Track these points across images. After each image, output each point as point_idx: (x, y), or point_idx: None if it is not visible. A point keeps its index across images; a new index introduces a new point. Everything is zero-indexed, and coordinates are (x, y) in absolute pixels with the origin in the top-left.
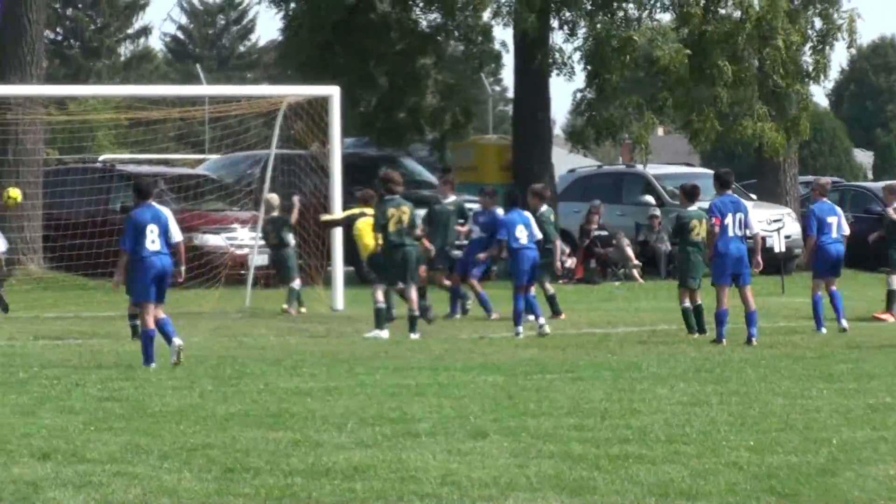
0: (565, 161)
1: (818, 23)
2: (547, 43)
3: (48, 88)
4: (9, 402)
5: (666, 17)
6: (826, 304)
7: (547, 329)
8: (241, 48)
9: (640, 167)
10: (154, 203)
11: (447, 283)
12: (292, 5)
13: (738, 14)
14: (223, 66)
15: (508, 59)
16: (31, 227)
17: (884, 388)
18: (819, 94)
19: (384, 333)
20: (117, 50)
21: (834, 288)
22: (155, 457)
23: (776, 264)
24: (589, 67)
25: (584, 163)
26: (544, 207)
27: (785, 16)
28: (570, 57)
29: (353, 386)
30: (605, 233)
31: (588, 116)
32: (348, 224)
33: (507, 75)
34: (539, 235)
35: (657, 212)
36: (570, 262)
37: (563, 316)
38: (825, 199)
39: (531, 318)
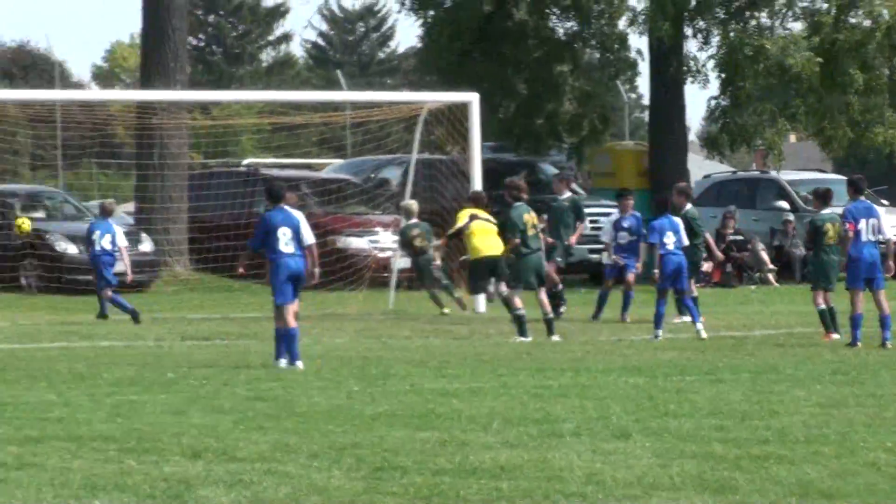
0: (700, 167)
1: None
2: (681, 51)
3: (192, 94)
4: (159, 402)
5: (798, 26)
6: None
7: (703, 333)
8: (381, 54)
9: (773, 173)
10: (286, 207)
11: (555, 278)
12: (431, 13)
13: (868, 23)
14: (364, 71)
15: (644, 67)
16: (177, 229)
17: None
18: None
19: (528, 338)
20: (259, 56)
21: None
22: (304, 456)
23: None
24: (723, 75)
25: (719, 169)
26: (689, 206)
27: None
28: (703, 65)
29: (497, 387)
30: (740, 237)
31: (722, 123)
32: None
33: (643, 83)
34: (686, 242)
35: (791, 217)
36: (707, 266)
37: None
38: None
39: (686, 319)
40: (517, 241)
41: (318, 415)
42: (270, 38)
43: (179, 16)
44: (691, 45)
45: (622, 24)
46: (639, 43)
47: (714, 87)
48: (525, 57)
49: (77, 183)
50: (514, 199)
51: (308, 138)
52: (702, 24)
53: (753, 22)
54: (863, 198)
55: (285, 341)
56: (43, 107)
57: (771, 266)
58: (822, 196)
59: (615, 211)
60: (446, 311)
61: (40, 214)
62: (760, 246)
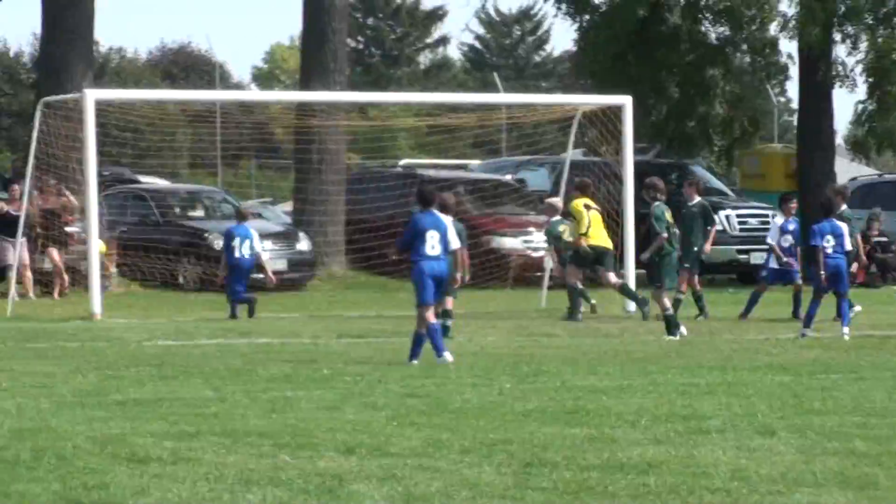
0: (847, 170)
1: None
2: (830, 56)
3: (350, 95)
4: (314, 398)
5: None
6: None
7: (847, 336)
8: (537, 58)
9: None
10: (435, 210)
11: (697, 286)
12: (587, 17)
13: None
14: (519, 74)
15: (793, 71)
16: (334, 229)
17: None
18: None
19: (677, 337)
20: (417, 58)
21: None
22: (456, 451)
23: None
24: (870, 80)
25: (865, 172)
26: (844, 206)
27: None
28: (851, 69)
29: (645, 384)
30: (884, 239)
31: (869, 127)
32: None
33: (791, 87)
34: (850, 247)
35: None
36: (853, 267)
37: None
38: None
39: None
40: (665, 235)
41: (470, 411)
42: (428, 40)
43: (339, 18)
44: (840, 50)
45: (773, 29)
46: (789, 48)
47: (861, 91)
48: (678, 61)
49: (236, 182)
50: (653, 198)
51: (463, 140)
52: (850, 29)
53: None
54: None
55: (426, 341)
56: (203, 107)
57: None
58: None
59: (769, 212)
60: (593, 301)
61: (199, 213)
62: None
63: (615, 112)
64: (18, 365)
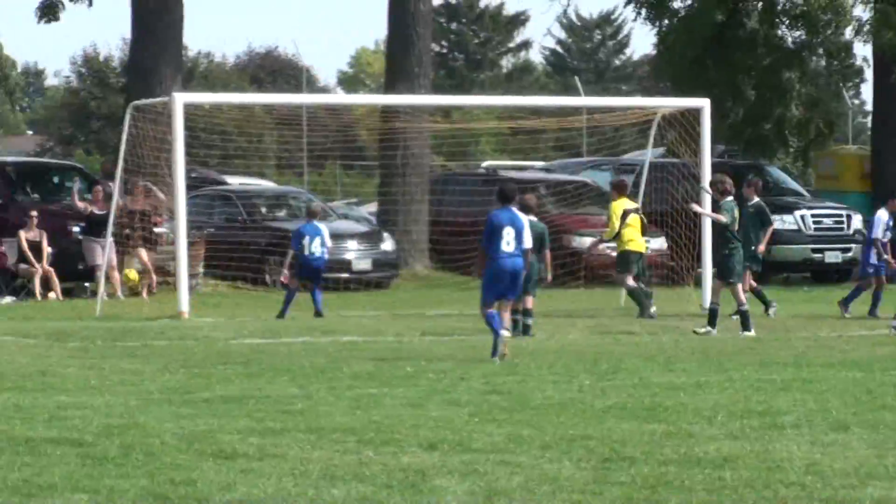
0: None
1: None
2: None
3: (434, 98)
4: (398, 395)
5: None
6: None
7: None
8: (617, 61)
9: None
10: (514, 208)
11: (752, 283)
12: (666, 22)
13: None
14: (600, 78)
15: (868, 74)
16: (418, 229)
17: None
18: None
19: (752, 332)
20: (499, 62)
21: None
22: (536, 447)
23: None
24: None
25: None
26: None
27: None
28: None
29: (722, 381)
30: None
31: None
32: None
33: (866, 89)
34: None
35: None
36: None
37: None
38: None
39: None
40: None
41: (550, 408)
42: (511, 45)
43: (424, 23)
44: None
45: (848, 33)
46: (863, 51)
47: None
48: (755, 64)
49: (321, 183)
50: (721, 193)
51: (545, 142)
52: None
53: None
54: None
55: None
56: (290, 110)
57: None
58: None
59: (843, 212)
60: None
61: (284, 214)
62: None
63: (693, 114)
64: (107, 363)
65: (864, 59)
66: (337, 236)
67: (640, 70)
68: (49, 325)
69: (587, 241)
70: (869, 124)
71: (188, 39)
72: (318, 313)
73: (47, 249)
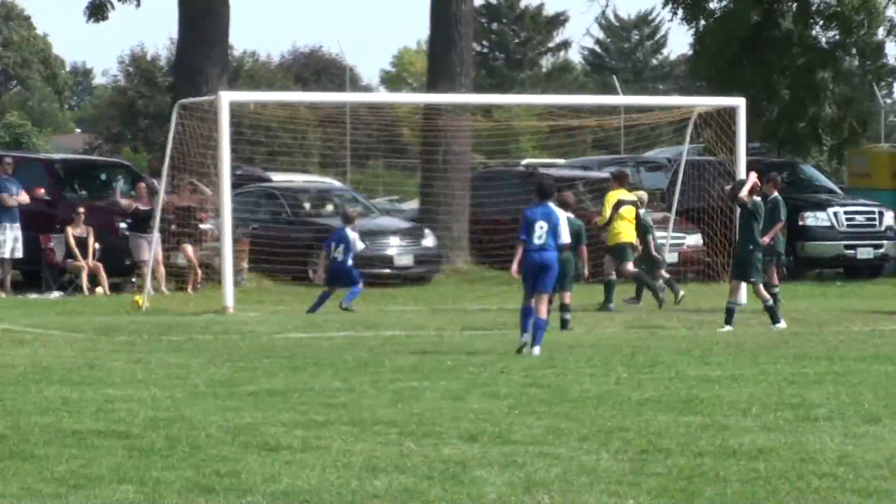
0: None
1: None
2: None
3: (475, 97)
4: (439, 388)
5: None
6: None
7: None
8: (654, 61)
9: None
10: (551, 204)
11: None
12: (703, 22)
13: None
14: (637, 77)
15: None
16: (459, 226)
17: None
18: None
19: (783, 324)
20: (539, 62)
21: None
22: (574, 439)
23: None
24: None
25: None
26: None
27: None
28: None
29: (756, 374)
30: None
31: None
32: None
33: None
34: None
35: None
36: None
37: None
38: None
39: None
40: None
41: (588, 400)
42: (550, 45)
43: (465, 23)
44: None
45: (880, 33)
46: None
47: None
48: (789, 64)
49: (364, 181)
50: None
51: (583, 139)
52: None
53: None
54: None
55: (526, 319)
56: (333, 109)
57: None
58: None
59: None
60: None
61: (328, 210)
62: None
63: (729, 113)
64: (154, 357)
65: None
66: (379, 233)
67: (676, 70)
68: (96, 320)
69: None
70: None
71: (234, 39)
72: (340, 305)
73: (94, 245)
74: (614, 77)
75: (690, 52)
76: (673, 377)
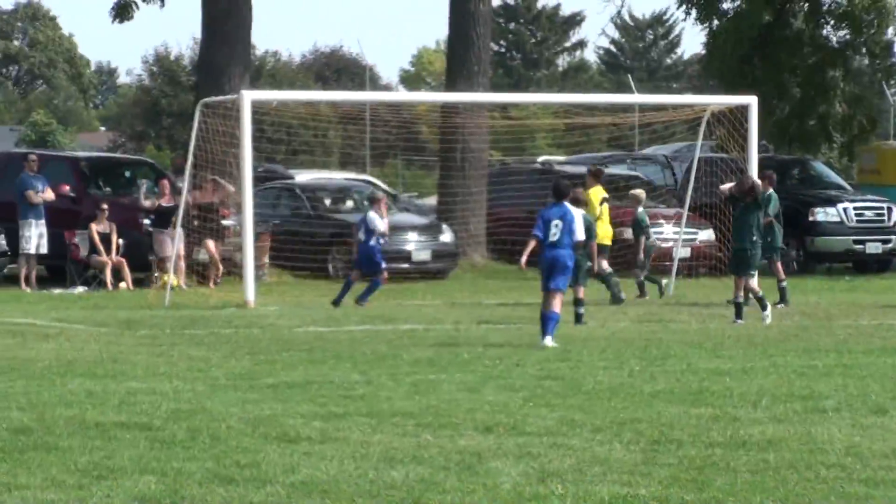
0: None
1: None
2: None
3: (493, 96)
4: (455, 381)
5: None
6: None
7: None
8: (668, 60)
9: None
10: (567, 203)
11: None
12: (715, 22)
13: None
14: (652, 76)
15: None
16: (476, 222)
17: None
18: None
19: (743, 321)
20: (555, 61)
21: None
22: (588, 430)
23: None
24: None
25: None
26: None
27: None
28: None
29: (766, 366)
30: None
31: None
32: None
33: None
34: None
35: None
36: None
37: None
38: None
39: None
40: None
41: (601, 392)
42: (566, 44)
43: (483, 24)
44: None
45: (890, 32)
46: None
47: None
48: (800, 63)
49: (383, 178)
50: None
51: (599, 137)
52: None
53: None
54: None
55: (546, 323)
56: (353, 107)
57: None
58: None
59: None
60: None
61: (348, 206)
62: None
63: (741, 111)
64: (176, 350)
65: None
66: (397, 228)
67: (690, 69)
68: (120, 314)
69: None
70: None
71: (256, 39)
72: (356, 301)
73: (118, 241)
74: (629, 76)
75: (703, 52)
76: (684, 370)
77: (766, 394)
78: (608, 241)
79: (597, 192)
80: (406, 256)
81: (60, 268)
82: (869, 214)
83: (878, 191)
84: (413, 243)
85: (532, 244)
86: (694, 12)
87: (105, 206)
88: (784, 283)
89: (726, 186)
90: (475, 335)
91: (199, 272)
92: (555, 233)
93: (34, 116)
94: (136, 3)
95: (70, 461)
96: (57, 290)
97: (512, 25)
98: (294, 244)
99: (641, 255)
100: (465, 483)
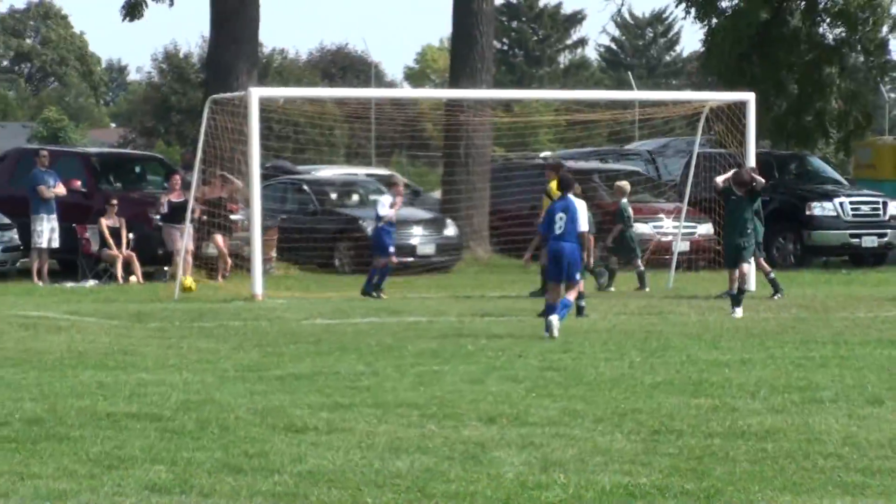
0: None
1: None
2: None
3: (496, 93)
4: (458, 372)
5: None
6: None
7: None
8: (668, 58)
9: None
10: (571, 196)
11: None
12: (714, 20)
13: None
14: (651, 73)
15: None
16: (479, 216)
17: None
18: None
19: (739, 313)
20: (557, 58)
21: None
22: (590, 420)
23: None
24: None
25: None
26: None
27: None
28: None
29: (764, 358)
30: None
31: None
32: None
33: None
34: None
35: None
36: None
37: None
38: None
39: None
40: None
41: (603, 383)
42: (568, 42)
43: (486, 22)
44: None
45: (884, 30)
46: None
47: None
48: (797, 60)
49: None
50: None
51: (599, 133)
52: None
53: None
54: None
55: (558, 308)
56: (359, 104)
57: None
58: None
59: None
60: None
61: (354, 200)
62: None
63: (739, 107)
64: (185, 343)
65: None
66: (403, 222)
67: (689, 66)
68: (130, 307)
69: (639, 228)
70: None
71: (263, 37)
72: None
73: (129, 235)
74: (629, 73)
75: (702, 49)
76: (684, 361)
77: (765, 385)
78: None
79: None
80: (411, 250)
81: (72, 262)
82: (865, 209)
83: (873, 185)
84: (418, 237)
85: (537, 240)
86: (693, 11)
87: (114, 201)
88: (772, 275)
89: (721, 178)
90: (478, 327)
91: (208, 266)
92: (560, 225)
93: (46, 113)
94: (145, 2)
95: (82, 451)
96: (68, 284)
97: (514, 24)
98: (301, 238)
99: (610, 243)
100: (469, 472)
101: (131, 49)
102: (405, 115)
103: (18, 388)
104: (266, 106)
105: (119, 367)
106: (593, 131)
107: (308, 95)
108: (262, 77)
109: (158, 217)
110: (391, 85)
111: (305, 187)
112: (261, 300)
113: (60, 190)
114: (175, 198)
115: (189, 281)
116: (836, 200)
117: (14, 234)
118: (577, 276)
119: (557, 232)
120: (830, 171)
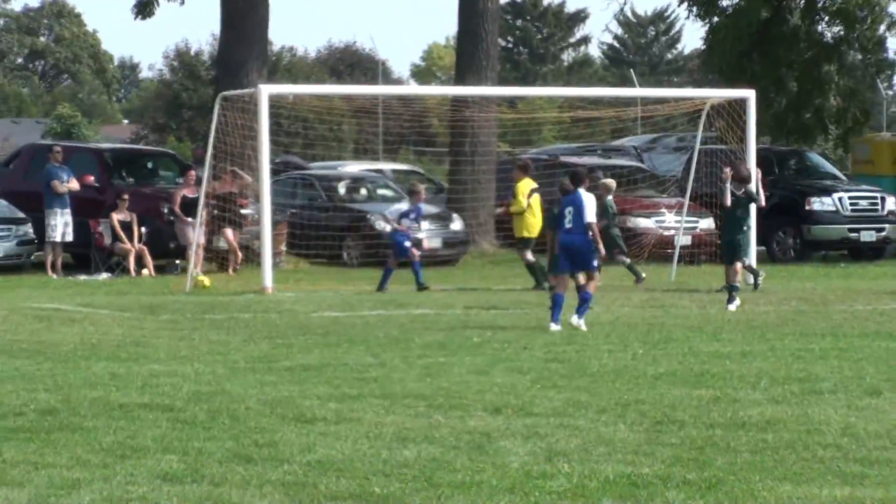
0: None
1: None
2: None
3: (501, 90)
4: (464, 363)
5: None
6: None
7: None
8: (669, 55)
9: None
10: (581, 190)
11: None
12: (715, 19)
13: None
14: (653, 70)
15: None
16: (485, 211)
17: None
18: None
19: (735, 305)
20: (560, 56)
21: None
22: (593, 411)
23: None
24: None
25: None
26: None
27: None
28: None
29: (765, 350)
30: None
31: None
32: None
33: None
34: None
35: None
36: None
37: None
38: None
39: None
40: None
41: (606, 374)
42: (571, 40)
43: (491, 20)
44: None
45: (882, 28)
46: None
47: None
48: (797, 58)
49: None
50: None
51: (602, 129)
52: None
53: None
54: None
55: (557, 307)
56: (366, 101)
57: None
58: None
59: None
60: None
61: (363, 195)
62: None
63: (740, 104)
64: (196, 334)
65: None
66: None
67: (690, 63)
68: (142, 300)
69: (642, 222)
70: None
71: (273, 35)
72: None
73: (141, 229)
74: (631, 70)
75: (703, 47)
76: (686, 353)
77: (765, 376)
78: (535, 234)
79: (525, 185)
80: (418, 244)
81: (85, 255)
82: (863, 204)
83: (871, 181)
84: (425, 231)
85: (551, 236)
86: (694, 9)
87: (126, 196)
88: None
89: (729, 170)
90: (484, 319)
91: (219, 259)
92: (569, 219)
93: (60, 110)
94: (157, 1)
95: (95, 441)
96: (82, 277)
97: (519, 22)
98: (310, 232)
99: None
100: (475, 462)
101: (143, 47)
102: (412, 112)
103: (33, 378)
104: (275, 102)
105: (131, 358)
106: (596, 128)
107: (316, 92)
108: (271, 74)
109: (167, 212)
110: (398, 82)
111: (314, 182)
112: (270, 293)
113: (74, 185)
114: (189, 193)
115: (206, 280)
116: (835, 196)
117: (29, 229)
118: (595, 264)
119: (567, 226)
120: (829, 167)
